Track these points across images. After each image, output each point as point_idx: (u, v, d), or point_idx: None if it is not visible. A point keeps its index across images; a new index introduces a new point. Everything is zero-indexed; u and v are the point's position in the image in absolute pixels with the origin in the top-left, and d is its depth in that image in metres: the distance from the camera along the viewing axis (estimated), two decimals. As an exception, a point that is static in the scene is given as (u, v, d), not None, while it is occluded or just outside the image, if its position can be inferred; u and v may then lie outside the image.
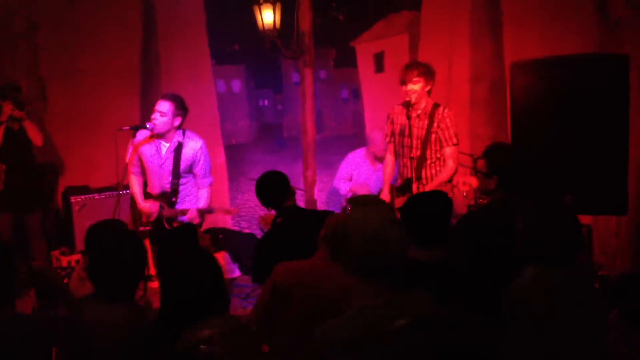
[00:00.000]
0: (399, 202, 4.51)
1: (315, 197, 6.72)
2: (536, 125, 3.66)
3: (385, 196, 4.76)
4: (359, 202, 3.30)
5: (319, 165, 7.42)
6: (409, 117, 4.51)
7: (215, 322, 2.21)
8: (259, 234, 7.49)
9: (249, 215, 10.27)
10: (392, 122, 4.75)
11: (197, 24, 7.04)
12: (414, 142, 4.53)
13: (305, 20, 6.36)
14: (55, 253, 6.05)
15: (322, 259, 2.91)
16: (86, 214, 5.85)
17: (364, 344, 2.00)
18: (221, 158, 7.21)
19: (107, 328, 2.52)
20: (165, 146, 4.65)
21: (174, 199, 4.69)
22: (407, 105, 4.50)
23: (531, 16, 5.83)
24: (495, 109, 6.14)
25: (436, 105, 4.52)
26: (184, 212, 4.66)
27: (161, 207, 4.66)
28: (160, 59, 6.83)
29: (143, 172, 4.80)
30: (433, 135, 4.49)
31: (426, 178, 4.60)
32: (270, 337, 2.91)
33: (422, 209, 2.87)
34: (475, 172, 3.90)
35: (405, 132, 4.60)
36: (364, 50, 8.68)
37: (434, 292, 2.36)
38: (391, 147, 4.83)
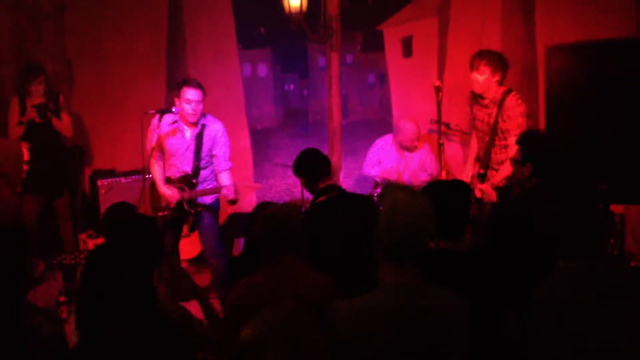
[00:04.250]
0: (478, 190, 4.50)
1: (341, 183, 6.65)
2: (571, 111, 3.55)
3: (466, 178, 4.84)
4: (389, 188, 3.20)
5: (344, 151, 7.34)
6: (479, 104, 4.66)
7: None
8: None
9: (274, 200, 10.25)
10: (471, 106, 4.85)
11: (224, 6, 6.99)
12: (484, 128, 4.66)
13: (332, 4, 6.26)
14: (82, 236, 6.10)
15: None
16: (112, 197, 5.85)
17: (379, 319, 1.99)
18: (246, 143, 7.18)
19: None
20: (188, 130, 4.72)
21: (194, 181, 4.75)
22: (474, 94, 4.65)
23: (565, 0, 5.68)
24: (526, 93, 6.00)
25: (507, 92, 4.52)
26: (205, 192, 4.75)
27: (182, 190, 4.70)
28: (186, 41, 6.81)
29: (163, 157, 4.86)
30: (500, 124, 4.52)
31: (496, 163, 4.64)
32: None
33: (440, 201, 2.79)
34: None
35: (478, 117, 4.72)
36: (392, 34, 8.53)
37: (459, 282, 2.32)
38: (473, 130, 4.93)
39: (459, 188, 2.90)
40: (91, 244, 5.94)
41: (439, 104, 4.94)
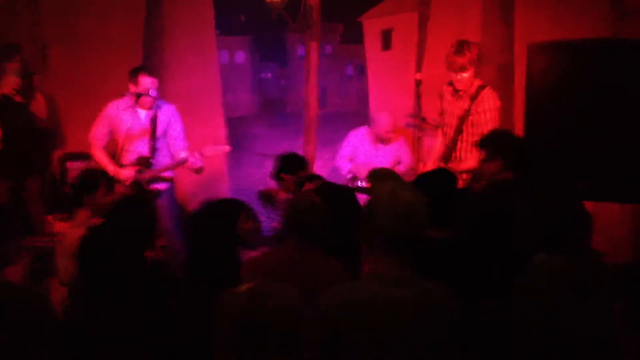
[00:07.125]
0: None
1: (316, 173, 6.64)
2: (552, 109, 3.56)
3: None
4: (378, 176, 3.20)
5: (320, 142, 7.33)
6: (455, 96, 4.57)
7: None
8: (257, 207, 7.41)
9: (249, 189, 10.19)
10: (442, 100, 4.75)
11: (203, -8, 6.92)
12: (453, 122, 4.56)
13: (313, -7, 6.24)
14: (49, 218, 6.00)
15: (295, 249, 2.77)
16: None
17: (371, 309, 1.98)
18: (222, 130, 7.12)
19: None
20: (143, 112, 4.82)
21: (152, 160, 4.83)
22: (453, 86, 4.56)
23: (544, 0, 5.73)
24: (502, 92, 6.04)
25: (481, 87, 4.48)
26: (167, 168, 4.84)
27: (139, 171, 4.72)
28: (164, 27, 6.71)
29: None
30: (470, 117, 4.47)
31: (456, 158, 4.58)
32: None
33: (426, 189, 2.82)
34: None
35: (448, 111, 4.63)
36: (372, 26, 8.53)
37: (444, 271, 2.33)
38: (441, 127, 4.83)
39: (441, 178, 2.96)
40: (58, 226, 5.85)
41: (419, 97, 4.93)
